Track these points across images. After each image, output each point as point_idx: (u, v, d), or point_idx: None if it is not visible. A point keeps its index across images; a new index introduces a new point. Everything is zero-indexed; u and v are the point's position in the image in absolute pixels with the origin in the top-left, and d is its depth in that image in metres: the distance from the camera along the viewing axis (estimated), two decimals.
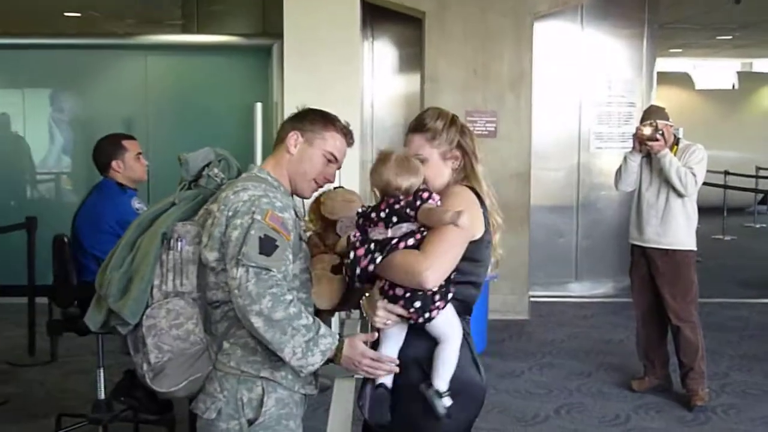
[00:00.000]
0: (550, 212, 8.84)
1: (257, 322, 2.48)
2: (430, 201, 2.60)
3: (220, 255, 2.59)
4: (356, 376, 4.25)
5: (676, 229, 5.51)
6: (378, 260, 2.56)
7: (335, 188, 3.03)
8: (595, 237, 8.94)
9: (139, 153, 4.78)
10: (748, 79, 18.11)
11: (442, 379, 2.63)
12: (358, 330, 4.36)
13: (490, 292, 6.92)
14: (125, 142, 4.77)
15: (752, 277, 10.02)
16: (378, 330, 2.67)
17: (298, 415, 2.74)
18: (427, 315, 2.58)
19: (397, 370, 2.65)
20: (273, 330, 2.48)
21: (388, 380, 2.68)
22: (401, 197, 2.62)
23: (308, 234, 2.97)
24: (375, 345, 2.68)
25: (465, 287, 2.71)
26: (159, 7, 10.86)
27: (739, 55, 18.32)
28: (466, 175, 2.82)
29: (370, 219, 2.65)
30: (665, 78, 13.24)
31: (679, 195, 5.46)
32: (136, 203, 4.62)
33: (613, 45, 8.93)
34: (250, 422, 2.64)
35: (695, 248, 5.62)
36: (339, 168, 2.87)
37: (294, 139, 2.79)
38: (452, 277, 2.62)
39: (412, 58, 8.53)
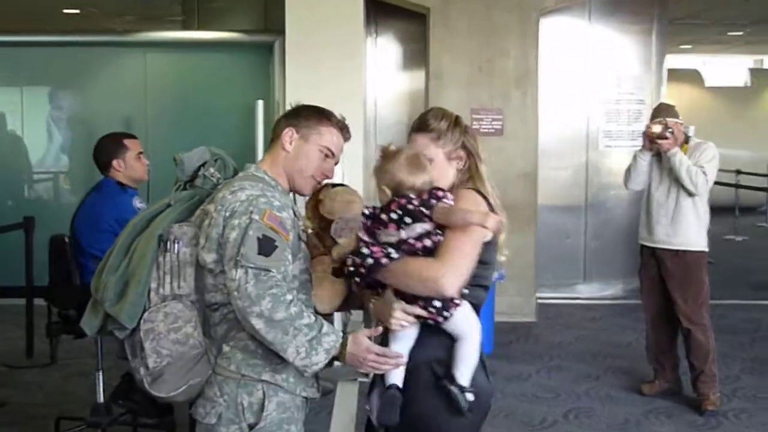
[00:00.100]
0: (557, 212, 8.79)
1: (258, 324, 2.45)
2: (445, 199, 2.57)
3: (218, 256, 2.56)
4: (360, 379, 4.17)
5: (687, 229, 5.46)
6: (395, 256, 2.53)
7: (335, 186, 2.95)
8: (603, 237, 8.89)
9: (141, 152, 4.77)
10: (761, 76, 18.07)
11: (463, 375, 2.62)
12: (362, 326, 4.28)
13: (497, 294, 6.85)
14: (126, 141, 4.77)
15: (765, 278, 9.94)
16: (385, 327, 2.65)
17: (299, 419, 2.71)
18: (446, 314, 2.56)
19: (404, 363, 2.62)
20: (274, 331, 2.45)
21: (399, 380, 2.64)
22: (412, 196, 2.58)
23: (308, 232, 2.91)
24: (383, 342, 2.67)
25: (474, 290, 2.67)
26: (159, 4, 10.89)
27: (750, 52, 18.25)
28: (470, 176, 2.80)
29: (379, 221, 2.61)
30: (675, 75, 13.17)
31: (690, 194, 5.41)
32: (137, 203, 4.60)
33: (622, 41, 8.87)
34: (251, 427, 2.62)
35: (706, 249, 5.56)
36: (337, 163, 2.84)
37: (289, 135, 2.76)
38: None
39: (416, 55, 8.48)
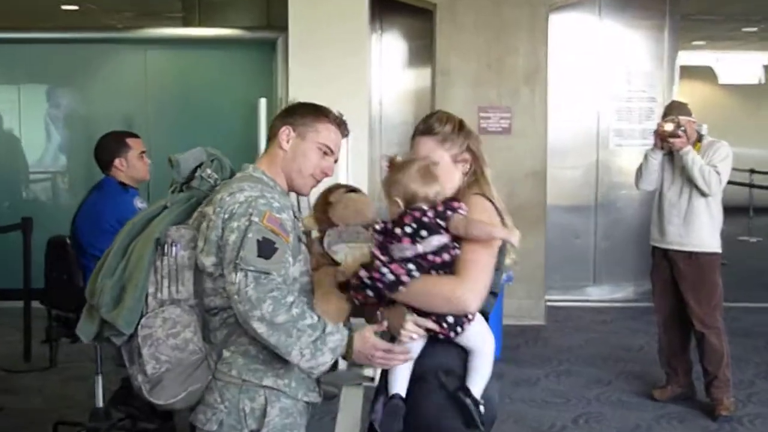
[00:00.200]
0: (567, 212, 8.78)
1: (260, 328, 2.43)
2: (460, 210, 2.59)
3: (218, 260, 2.54)
4: (365, 383, 4.06)
5: (700, 230, 5.43)
6: (416, 274, 2.53)
7: (349, 191, 2.90)
8: (614, 238, 8.87)
9: (143, 151, 4.76)
10: None
11: (477, 388, 2.62)
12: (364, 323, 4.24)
13: (505, 297, 6.81)
14: (129, 140, 4.75)
15: None
16: (392, 336, 2.66)
17: (302, 424, 2.70)
18: (459, 329, 2.57)
19: (412, 358, 2.62)
20: (277, 334, 2.43)
21: (402, 390, 2.65)
22: (426, 208, 2.59)
23: (313, 237, 2.86)
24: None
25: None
26: (159, 0, 10.82)
27: (765, 48, 18.16)
28: (476, 179, 2.81)
29: (392, 235, 2.57)
30: (688, 72, 13.21)
31: (703, 194, 5.37)
32: (138, 203, 4.59)
33: (633, 37, 8.83)
34: None
35: (720, 250, 5.52)
36: (336, 161, 2.81)
37: (286, 134, 2.74)
38: None
39: (423, 52, 8.49)
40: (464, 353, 2.64)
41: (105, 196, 4.63)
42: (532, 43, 7.69)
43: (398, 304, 2.60)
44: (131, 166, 4.68)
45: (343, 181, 5.33)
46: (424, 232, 2.53)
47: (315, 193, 2.97)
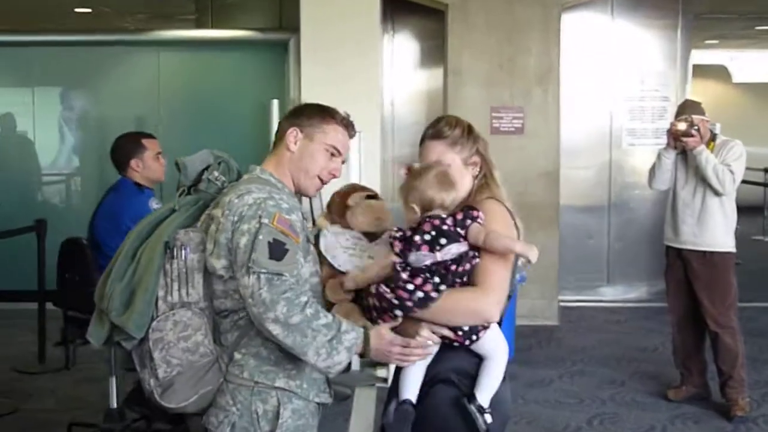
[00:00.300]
0: (580, 212, 8.75)
1: (275, 330, 2.42)
2: (479, 219, 2.59)
3: (228, 262, 2.53)
4: (378, 384, 4.06)
5: (714, 229, 5.42)
6: (443, 288, 2.52)
7: (368, 197, 2.87)
8: (627, 238, 8.83)
9: (159, 152, 4.77)
10: None
11: (484, 396, 2.61)
12: None
13: (518, 297, 6.79)
14: (145, 141, 4.77)
15: None
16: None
17: (314, 425, 2.70)
18: (474, 337, 2.57)
19: (431, 353, 2.61)
20: (293, 335, 2.42)
21: (413, 396, 2.64)
22: (445, 216, 2.59)
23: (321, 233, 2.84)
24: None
25: None
26: (171, 2, 10.93)
27: None
28: (485, 182, 2.82)
29: (412, 243, 2.55)
30: (701, 71, 13.17)
31: (717, 194, 5.36)
32: (153, 204, 4.58)
33: (646, 36, 8.80)
34: None
35: (734, 250, 5.51)
36: (344, 162, 2.81)
37: (293, 135, 2.73)
38: None
39: (434, 52, 8.44)
40: (477, 358, 2.64)
41: (121, 197, 4.65)
42: (544, 43, 7.66)
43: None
44: (147, 167, 4.69)
45: (354, 181, 5.33)
46: (443, 240, 2.53)
47: (327, 193, 2.96)
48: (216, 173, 2.75)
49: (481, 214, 2.60)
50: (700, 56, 14.42)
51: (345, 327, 2.49)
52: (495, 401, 2.63)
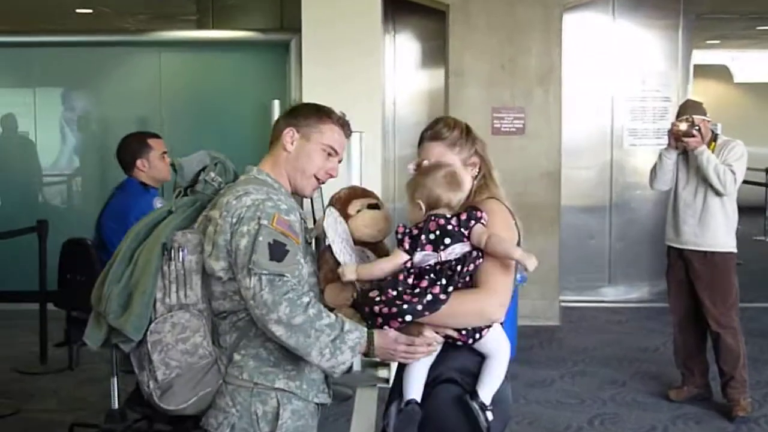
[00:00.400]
0: (581, 213, 8.74)
1: (278, 330, 2.42)
2: (483, 220, 2.59)
3: (227, 264, 2.53)
4: (379, 385, 4.07)
5: (715, 229, 5.40)
6: (450, 289, 2.51)
7: (370, 206, 2.82)
8: (629, 239, 8.82)
9: (165, 152, 4.77)
10: None
11: (486, 394, 2.62)
12: None
13: (519, 297, 6.78)
14: (150, 141, 4.77)
15: None
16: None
17: (313, 426, 2.70)
18: (477, 336, 2.58)
19: (436, 350, 2.61)
20: (296, 335, 2.43)
21: (417, 396, 2.65)
22: (449, 215, 2.59)
23: (324, 247, 2.82)
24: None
25: None
26: (172, 2, 10.88)
27: None
28: (485, 182, 2.82)
29: (418, 241, 2.56)
30: (702, 71, 13.09)
31: (718, 194, 5.35)
32: (158, 203, 4.58)
33: (647, 37, 8.78)
34: None
35: (735, 250, 5.49)
36: (340, 161, 2.81)
37: (290, 135, 2.72)
38: None
39: (436, 53, 8.44)
40: (479, 357, 2.64)
41: (128, 197, 4.65)
42: (545, 44, 7.65)
43: None
44: (153, 167, 4.69)
45: (356, 181, 5.33)
46: (447, 240, 2.53)
47: (328, 192, 2.95)
48: (213, 174, 2.75)
49: (484, 214, 2.60)
50: (702, 56, 14.38)
51: (348, 326, 2.49)
52: (496, 400, 2.64)
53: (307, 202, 5.35)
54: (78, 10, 10.67)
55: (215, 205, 2.61)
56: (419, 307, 2.47)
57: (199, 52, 8.98)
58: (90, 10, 10.64)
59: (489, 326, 2.59)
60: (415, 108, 8.59)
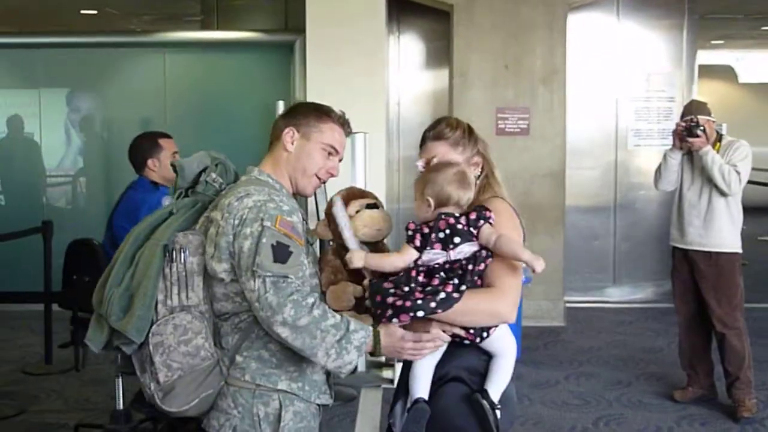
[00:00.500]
0: (586, 213, 8.73)
1: (284, 332, 2.42)
2: (491, 219, 2.60)
3: (230, 266, 2.52)
4: (383, 386, 4.07)
5: (720, 230, 5.39)
6: (463, 288, 2.51)
7: (369, 206, 2.80)
8: (633, 239, 8.81)
9: (175, 152, 4.75)
10: None
11: (495, 392, 2.63)
12: None
13: (524, 298, 6.75)
14: (162, 141, 4.76)
15: None
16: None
17: (315, 427, 2.69)
18: (484, 335, 2.58)
19: (443, 345, 2.60)
20: (301, 337, 2.42)
21: (425, 394, 2.65)
22: (459, 215, 2.59)
23: (329, 247, 2.83)
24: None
25: None
26: (177, 3, 10.90)
27: None
28: (488, 182, 2.83)
29: (429, 239, 2.55)
30: (707, 71, 13.01)
31: (723, 194, 5.34)
32: (166, 201, 4.57)
33: (652, 37, 8.78)
34: None
35: (740, 250, 5.48)
36: (341, 160, 2.80)
37: (290, 135, 2.72)
38: None
39: (440, 53, 8.45)
40: (486, 356, 2.65)
41: (138, 195, 4.65)
42: (550, 44, 7.65)
43: None
44: (164, 167, 4.67)
45: (360, 182, 5.32)
46: (456, 239, 2.53)
47: (330, 191, 2.95)
48: (213, 175, 2.73)
49: (492, 214, 2.60)
50: (706, 56, 14.37)
51: (354, 326, 2.48)
52: (504, 399, 2.65)
53: (310, 202, 5.36)
54: (83, 11, 10.72)
55: (216, 206, 2.60)
56: (432, 304, 2.47)
57: (204, 52, 8.97)
58: (95, 11, 10.69)
59: (496, 325, 2.59)
60: (419, 108, 8.58)
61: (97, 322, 2.63)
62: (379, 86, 7.35)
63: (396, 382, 2.78)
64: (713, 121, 5.42)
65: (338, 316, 2.48)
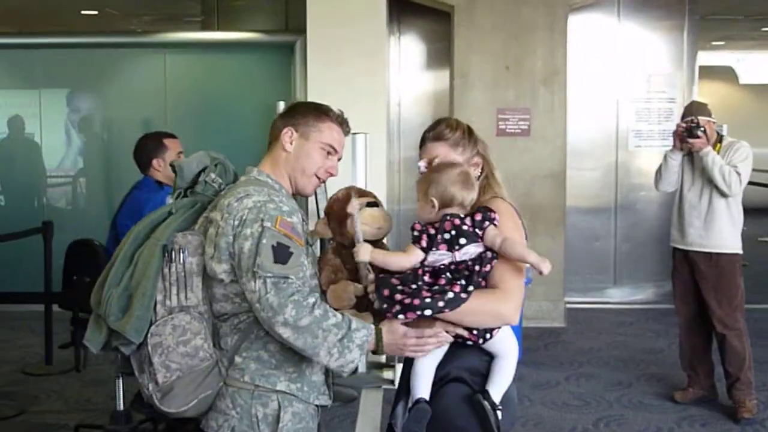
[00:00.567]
0: (586, 214, 8.72)
1: (285, 333, 2.41)
2: (495, 221, 2.60)
3: (230, 267, 2.52)
4: (384, 386, 4.07)
5: (720, 231, 5.38)
6: (471, 289, 2.51)
7: (369, 204, 2.81)
8: (634, 240, 8.80)
9: (180, 152, 4.77)
10: None
11: (497, 393, 2.64)
12: None
13: (525, 299, 6.67)
14: (167, 141, 4.78)
15: None
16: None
17: (313, 428, 2.68)
18: (487, 336, 2.59)
19: (449, 341, 2.60)
20: (303, 337, 2.41)
21: (426, 394, 2.65)
22: (463, 216, 2.59)
23: (329, 246, 2.84)
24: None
25: None
26: (178, 4, 10.90)
27: None
28: (488, 182, 2.83)
29: (434, 240, 2.56)
30: (707, 72, 13.01)
31: (723, 195, 5.33)
32: (170, 199, 4.53)
33: (652, 38, 8.77)
34: None
35: (740, 251, 5.47)
36: (340, 159, 2.80)
37: (288, 135, 2.72)
38: None
39: (441, 54, 8.44)
40: (487, 356, 2.65)
41: (143, 194, 4.66)
42: (550, 45, 7.64)
43: None
44: (168, 166, 4.71)
45: (360, 183, 5.32)
46: (462, 240, 2.53)
47: (330, 190, 2.94)
48: (213, 175, 2.73)
49: (497, 216, 2.59)
50: (707, 57, 14.36)
51: (355, 325, 2.48)
52: (504, 400, 2.65)
53: (311, 202, 5.35)
54: (83, 12, 10.72)
55: (216, 206, 2.60)
56: (441, 304, 2.47)
57: (204, 53, 8.96)
58: (95, 12, 10.69)
59: (499, 327, 2.59)
60: (420, 109, 8.57)
61: (95, 323, 2.62)
62: (379, 87, 7.34)
63: (397, 382, 2.78)
64: (714, 122, 5.42)
65: (339, 315, 2.47)
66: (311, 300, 2.44)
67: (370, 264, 2.62)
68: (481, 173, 2.81)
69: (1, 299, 8.16)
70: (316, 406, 2.67)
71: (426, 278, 2.52)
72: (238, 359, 2.56)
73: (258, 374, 2.55)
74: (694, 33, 8.87)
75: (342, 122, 2.77)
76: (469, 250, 2.53)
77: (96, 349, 2.61)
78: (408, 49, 8.68)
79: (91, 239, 4.69)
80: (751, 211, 6.10)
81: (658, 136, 8.58)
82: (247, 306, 2.50)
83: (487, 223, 2.56)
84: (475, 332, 2.56)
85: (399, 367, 3.05)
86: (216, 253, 2.51)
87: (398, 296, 2.50)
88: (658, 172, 5.60)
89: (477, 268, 2.51)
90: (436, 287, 2.50)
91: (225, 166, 2.77)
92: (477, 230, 2.55)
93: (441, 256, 2.53)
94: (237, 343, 2.56)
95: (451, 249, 2.53)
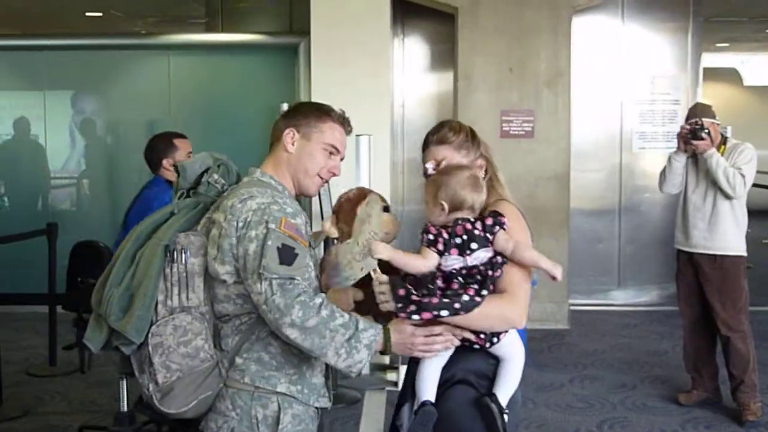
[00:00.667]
0: (590, 216, 8.71)
1: (293, 334, 2.41)
2: (505, 225, 2.59)
3: (233, 268, 2.51)
4: (388, 388, 4.05)
5: (725, 233, 5.38)
6: (485, 293, 2.51)
7: (384, 207, 2.80)
8: (638, 242, 8.78)
9: (190, 152, 4.79)
10: None
11: (503, 396, 2.64)
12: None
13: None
14: (177, 141, 4.84)
15: None
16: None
17: (313, 430, 2.67)
18: (494, 340, 2.59)
19: (456, 343, 2.58)
20: (310, 337, 2.41)
21: (432, 396, 2.65)
22: (474, 220, 2.58)
23: (332, 246, 2.82)
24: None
25: None
26: (182, 6, 10.90)
27: None
28: (492, 184, 2.82)
29: (448, 245, 2.55)
30: (712, 74, 13.06)
31: (727, 197, 5.32)
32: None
33: (656, 40, 8.76)
34: None
35: (745, 254, 5.46)
36: (342, 159, 2.79)
37: (290, 136, 2.71)
38: None
39: (445, 56, 8.44)
40: (493, 360, 2.65)
41: (153, 193, 4.66)
42: (554, 47, 7.64)
43: None
44: None
45: (364, 184, 5.32)
46: (474, 245, 2.52)
47: (336, 192, 2.94)
48: (216, 176, 2.72)
49: (506, 220, 2.59)
50: (711, 59, 14.38)
51: (363, 325, 2.48)
52: (509, 402, 2.65)
53: (314, 203, 5.35)
54: (87, 14, 10.73)
55: (219, 207, 2.59)
56: (457, 305, 2.46)
57: (209, 55, 8.97)
58: (100, 14, 10.70)
59: (506, 330, 2.59)
60: (423, 111, 8.57)
61: (96, 322, 2.62)
62: (383, 88, 7.35)
63: (401, 384, 2.77)
64: (718, 124, 5.41)
65: (347, 316, 2.47)
66: (318, 301, 2.43)
67: (379, 264, 2.60)
68: (485, 175, 2.80)
69: (6, 300, 8.15)
70: (316, 408, 2.67)
71: (438, 282, 2.51)
72: (238, 360, 2.55)
73: (258, 376, 2.54)
74: (698, 35, 8.86)
75: (343, 122, 2.76)
76: (480, 255, 2.52)
77: (96, 348, 2.60)
78: (412, 50, 8.68)
79: (95, 241, 4.71)
80: (755, 213, 6.12)
81: (662, 138, 8.56)
82: (249, 307, 2.50)
83: (497, 227, 2.55)
84: (482, 336, 2.55)
85: (403, 368, 3.04)
86: (219, 255, 2.50)
87: (414, 296, 2.49)
88: (662, 174, 5.59)
89: (490, 273, 2.51)
90: (449, 291, 2.49)
91: (228, 167, 2.77)
92: (488, 235, 2.54)
93: (453, 261, 2.52)
94: (238, 344, 2.56)
95: (462, 254, 2.52)
